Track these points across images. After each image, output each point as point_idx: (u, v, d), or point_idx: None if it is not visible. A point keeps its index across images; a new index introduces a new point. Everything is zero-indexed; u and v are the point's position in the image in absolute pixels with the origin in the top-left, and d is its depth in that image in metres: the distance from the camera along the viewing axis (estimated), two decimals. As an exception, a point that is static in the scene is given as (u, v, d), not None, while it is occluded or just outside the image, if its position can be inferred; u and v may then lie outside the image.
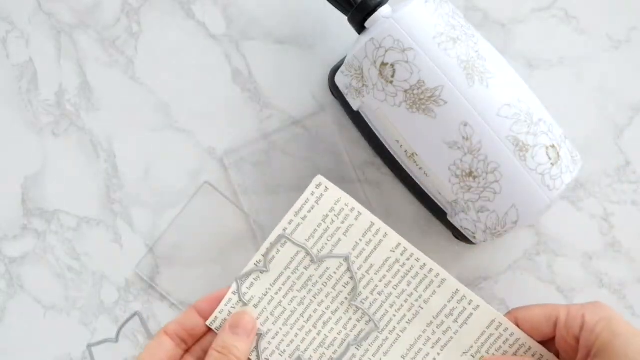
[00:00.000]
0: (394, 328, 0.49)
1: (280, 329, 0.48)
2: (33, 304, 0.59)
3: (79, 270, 0.59)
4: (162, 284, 0.59)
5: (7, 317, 0.59)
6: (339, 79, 0.54)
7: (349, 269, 0.48)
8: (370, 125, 0.55)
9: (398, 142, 0.53)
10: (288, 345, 0.48)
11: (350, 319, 0.48)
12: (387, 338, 0.49)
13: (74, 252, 0.59)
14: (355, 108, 0.54)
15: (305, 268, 0.49)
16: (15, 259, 0.59)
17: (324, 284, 0.48)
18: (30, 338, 0.59)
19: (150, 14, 0.60)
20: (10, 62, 0.60)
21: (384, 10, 0.51)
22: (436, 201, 0.54)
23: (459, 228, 0.53)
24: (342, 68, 0.53)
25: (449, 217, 0.54)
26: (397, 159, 0.55)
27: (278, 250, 0.49)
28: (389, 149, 0.55)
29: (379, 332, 0.49)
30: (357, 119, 0.56)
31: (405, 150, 0.53)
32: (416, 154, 0.52)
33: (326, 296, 0.48)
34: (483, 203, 0.50)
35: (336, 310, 0.48)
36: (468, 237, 0.53)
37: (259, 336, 0.48)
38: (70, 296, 0.59)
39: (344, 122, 0.59)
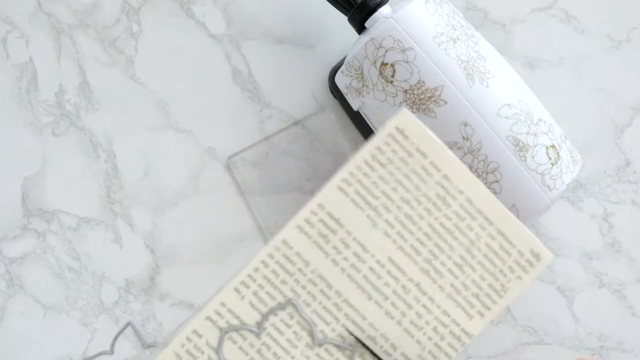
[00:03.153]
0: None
1: None
2: (33, 304, 0.59)
3: (79, 270, 0.59)
4: (162, 283, 0.59)
5: (7, 317, 0.59)
6: (339, 79, 0.54)
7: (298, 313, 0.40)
8: (370, 125, 0.55)
9: (398, 142, 0.53)
10: None
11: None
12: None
13: (74, 252, 0.59)
14: (355, 108, 0.54)
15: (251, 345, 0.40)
16: (15, 259, 0.59)
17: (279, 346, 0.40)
18: (30, 338, 0.59)
19: (150, 14, 0.60)
20: (10, 62, 0.60)
21: (384, 10, 0.51)
22: (436, 201, 0.54)
23: (459, 228, 0.53)
24: (342, 68, 0.53)
25: (449, 217, 0.54)
26: (397, 159, 0.55)
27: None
28: (389, 149, 0.55)
29: None
30: (357, 119, 0.56)
31: (405, 150, 0.53)
32: (416, 154, 0.52)
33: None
34: (483, 203, 0.50)
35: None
36: (468, 237, 0.53)
37: None
38: (70, 296, 0.59)
39: (344, 122, 0.59)
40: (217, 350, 0.39)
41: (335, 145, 0.59)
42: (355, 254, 0.39)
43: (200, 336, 0.39)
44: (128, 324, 0.58)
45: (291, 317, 0.40)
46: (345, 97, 0.55)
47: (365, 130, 0.56)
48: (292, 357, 0.39)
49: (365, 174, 0.39)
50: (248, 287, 0.39)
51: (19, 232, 0.59)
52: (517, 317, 0.58)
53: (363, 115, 0.54)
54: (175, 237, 0.59)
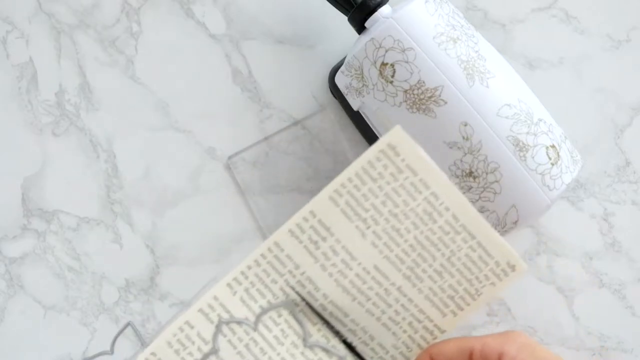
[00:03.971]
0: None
1: None
2: (33, 304, 0.59)
3: (79, 270, 0.59)
4: (162, 283, 0.59)
5: (7, 317, 0.59)
6: (339, 79, 0.54)
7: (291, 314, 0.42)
8: (370, 125, 0.55)
9: (398, 142, 0.53)
10: None
11: None
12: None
13: (74, 252, 0.59)
14: (355, 108, 0.54)
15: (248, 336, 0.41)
16: (15, 259, 0.59)
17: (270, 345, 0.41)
18: (30, 338, 0.59)
19: (150, 14, 0.60)
20: (10, 62, 0.60)
21: (384, 10, 0.51)
22: (436, 201, 0.54)
23: (459, 228, 0.53)
24: (342, 68, 0.53)
25: (449, 217, 0.54)
26: (397, 159, 0.55)
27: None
28: (389, 149, 0.55)
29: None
30: (357, 119, 0.56)
31: (405, 150, 0.53)
32: (416, 154, 0.52)
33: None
34: (483, 203, 0.50)
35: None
36: (468, 237, 0.53)
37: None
38: (70, 296, 0.59)
39: (344, 122, 0.59)
40: (213, 339, 0.41)
41: (335, 145, 0.59)
42: (343, 261, 0.41)
43: (192, 327, 0.41)
44: (128, 324, 0.58)
45: (279, 315, 0.41)
46: (345, 97, 0.55)
47: (365, 130, 0.56)
48: (279, 354, 0.41)
49: (356, 187, 0.41)
50: (240, 283, 0.41)
51: (19, 232, 0.59)
52: (517, 317, 0.58)
53: (363, 115, 0.54)
54: (175, 237, 0.59)
